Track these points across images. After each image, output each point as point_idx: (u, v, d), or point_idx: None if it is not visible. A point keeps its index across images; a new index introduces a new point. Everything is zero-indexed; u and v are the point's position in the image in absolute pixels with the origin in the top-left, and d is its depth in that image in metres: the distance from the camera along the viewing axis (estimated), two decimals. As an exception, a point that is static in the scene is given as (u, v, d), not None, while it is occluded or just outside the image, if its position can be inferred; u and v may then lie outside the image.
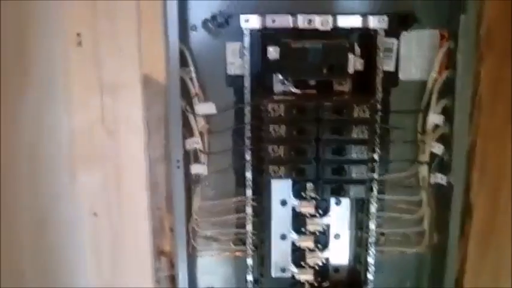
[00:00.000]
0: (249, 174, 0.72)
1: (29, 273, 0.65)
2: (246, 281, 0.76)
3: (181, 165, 0.68)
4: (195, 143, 0.70)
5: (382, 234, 0.75)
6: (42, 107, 0.65)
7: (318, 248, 0.75)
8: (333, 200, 0.74)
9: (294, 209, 0.74)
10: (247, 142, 0.71)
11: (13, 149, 0.58)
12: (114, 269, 0.71)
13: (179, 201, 0.69)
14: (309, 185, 0.72)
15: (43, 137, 0.65)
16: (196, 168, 0.72)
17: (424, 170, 0.73)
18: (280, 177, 0.68)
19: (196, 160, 0.72)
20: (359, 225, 0.75)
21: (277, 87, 0.71)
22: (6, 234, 0.58)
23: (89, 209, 0.70)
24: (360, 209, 0.75)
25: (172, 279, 0.74)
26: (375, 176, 0.72)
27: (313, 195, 0.73)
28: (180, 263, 0.71)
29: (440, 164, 0.72)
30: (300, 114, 0.66)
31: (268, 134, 0.66)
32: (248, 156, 0.71)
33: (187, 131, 0.70)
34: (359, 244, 0.75)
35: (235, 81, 0.70)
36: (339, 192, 0.69)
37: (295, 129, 0.66)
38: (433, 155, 0.72)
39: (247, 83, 0.69)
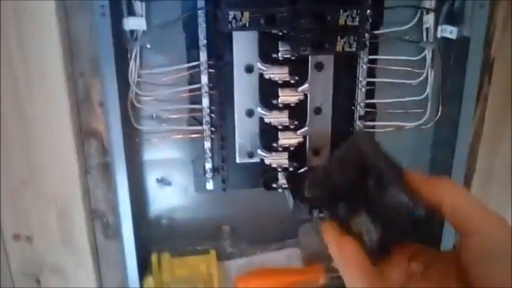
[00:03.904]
0: (202, 30, 0.55)
1: None
2: (204, 169, 0.61)
3: (107, 12, 0.50)
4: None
5: (374, 106, 0.60)
6: None
7: (293, 125, 0.59)
8: (311, 63, 0.57)
9: (262, 76, 0.57)
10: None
11: None
12: (29, 145, 0.54)
13: (107, 64, 0.52)
14: (282, 43, 0.55)
15: None
16: (131, 23, 0.53)
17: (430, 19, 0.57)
18: (243, 27, 0.50)
19: (131, 12, 0.53)
20: (345, 95, 0.59)
21: None
22: None
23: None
24: (347, 74, 0.59)
25: (106, 167, 0.58)
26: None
27: (286, 55, 0.56)
28: (116, 146, 0.55)
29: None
30: None
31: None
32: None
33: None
34: (344, 119, 0.60)
35: None
36: (321, 45, 0.52)
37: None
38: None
39: None
